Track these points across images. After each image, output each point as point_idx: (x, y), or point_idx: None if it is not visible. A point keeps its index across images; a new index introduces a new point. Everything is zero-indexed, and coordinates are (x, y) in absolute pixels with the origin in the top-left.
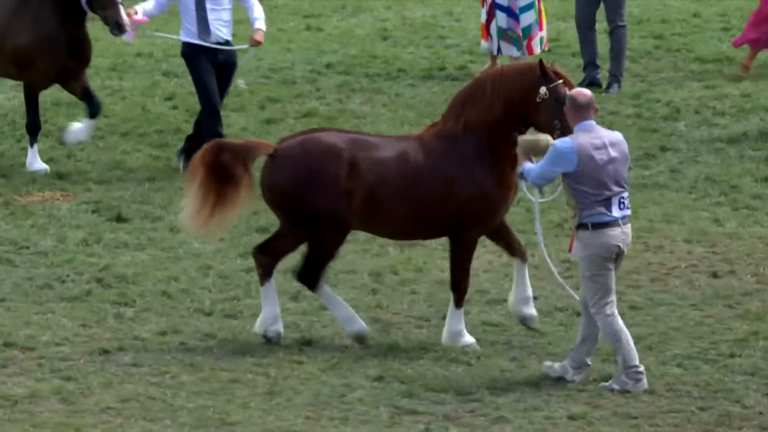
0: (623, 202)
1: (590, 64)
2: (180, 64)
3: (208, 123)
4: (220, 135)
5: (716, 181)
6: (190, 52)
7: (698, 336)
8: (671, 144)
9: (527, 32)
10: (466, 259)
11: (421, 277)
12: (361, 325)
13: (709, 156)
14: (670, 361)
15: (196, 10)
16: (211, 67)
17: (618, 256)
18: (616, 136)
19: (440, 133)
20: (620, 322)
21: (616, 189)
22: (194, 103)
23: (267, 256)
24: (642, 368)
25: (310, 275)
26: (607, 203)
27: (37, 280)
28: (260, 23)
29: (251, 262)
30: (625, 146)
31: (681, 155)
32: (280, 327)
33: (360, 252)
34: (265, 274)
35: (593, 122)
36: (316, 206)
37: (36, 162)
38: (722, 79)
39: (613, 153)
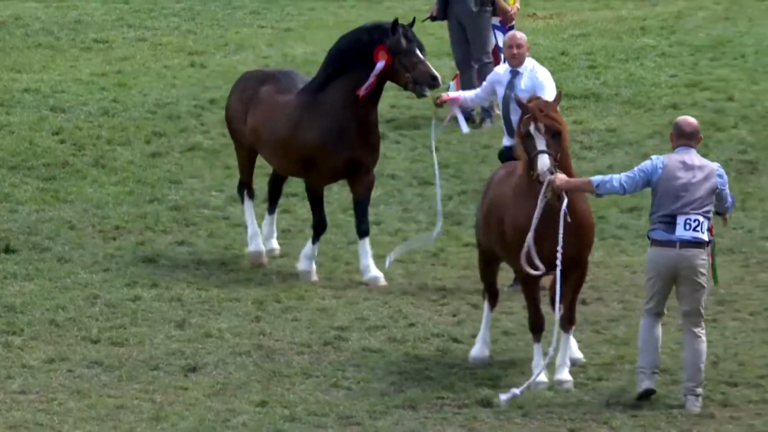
0: (690, 224)
1: None
2: (67, 100)
3: None
4: None
5: None
6: (507, 155)
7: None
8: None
9: None
10: (524, 292)
11: (302, 304)
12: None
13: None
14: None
15: (502, 111)
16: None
17: (678, 277)
18: (709, 164)
19: (521, 167)
20: (650, 326)
21: (685, 209)
22: (81, 137)
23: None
24: (648, 371)
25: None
26: (671, 222)
27: None
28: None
29: (137, 290)
30: (713, 175)
31: None
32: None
33: (243, 281)
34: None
35: (692, 150)
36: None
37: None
38: (589, 115)
39: (698, 176)
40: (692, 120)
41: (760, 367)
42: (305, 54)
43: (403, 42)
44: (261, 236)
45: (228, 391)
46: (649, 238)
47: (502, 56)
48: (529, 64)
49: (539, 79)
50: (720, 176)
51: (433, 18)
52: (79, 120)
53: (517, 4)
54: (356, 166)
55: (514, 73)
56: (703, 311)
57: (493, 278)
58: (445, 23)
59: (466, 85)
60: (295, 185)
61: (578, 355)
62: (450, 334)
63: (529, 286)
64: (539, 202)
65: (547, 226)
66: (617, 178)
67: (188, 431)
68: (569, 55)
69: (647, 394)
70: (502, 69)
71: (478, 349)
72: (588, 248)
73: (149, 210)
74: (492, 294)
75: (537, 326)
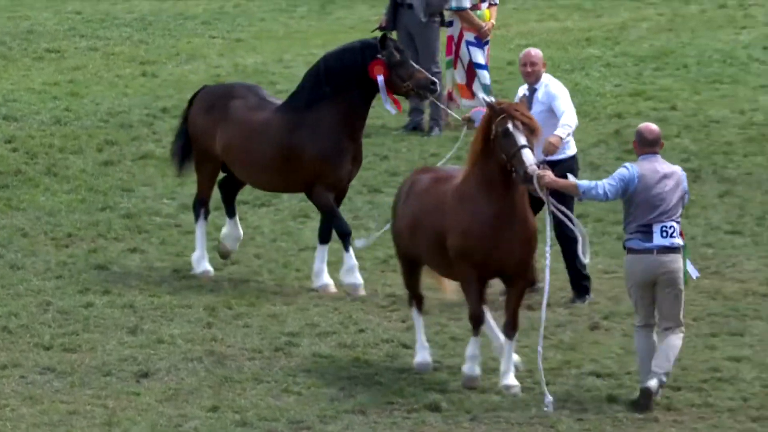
0: (667, 231)
1: (415, 110)
2: (20, 109)
3: None
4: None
5: None
6: None
7: (515, 365)
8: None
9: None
10: (465, 288)
11: (253, 311)
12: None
13: None
14: (490, 389)
15: None
16: None
17: (657, 284)
18: (676, 169)
19: (464, 171)
20: (644, 339)
21: (661, 217)
22: (33, 146)
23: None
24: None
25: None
26: (647, 231)
27: None
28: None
29: (90, 297)
30: (681, 180)
31: None
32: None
33: (195, 287)
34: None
35: (658, 155)
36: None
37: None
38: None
39: (669, 185)
40: (654, 127)
41: (703, 371)
42: (256, 64)
43: (396, 54)
44: (207, 258)
45: (180, 396)
46: (625, 247)
47: (478, 72)
48: (545, 79)
49: (553, 92)
50: (685, 180)
51: (382, 28)
52: (31, 128)
53: (493, 20)
54: (348, 180)
55: (532, 90)
56: (682, 317)
57: (417, 284)
58: (394, 33)
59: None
60: (247, 192)
61: (517, 358)
62: (399, 339)
63: (470, 287)
64: (544, 198)
65: (500, 231)
66: (602, 186)
67: None
68: (516, 65)
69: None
70: (523, 88)
71: (420, 356)
72: (533, 254)
73: (101, 218)
74: (418, 299)
75: (478, 319)
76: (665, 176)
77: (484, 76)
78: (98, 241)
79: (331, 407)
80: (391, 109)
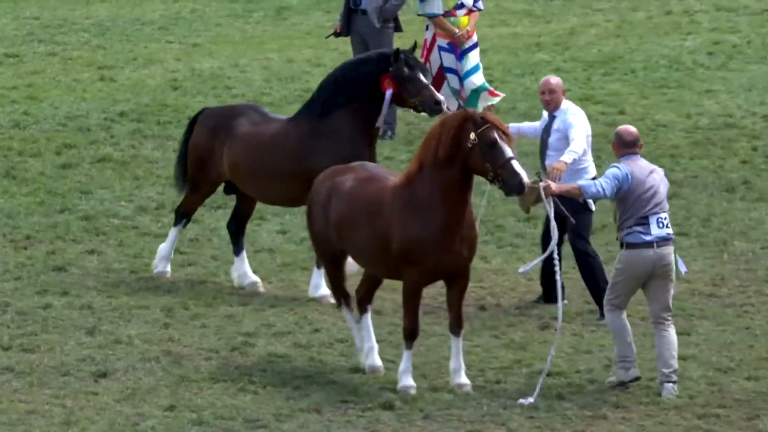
0: (662, 222)
1: None
2: None
3: None
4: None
5: (483, 221)
6: None
7: (468, 364)
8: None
9: (482, 89)
10: (407, 295)
11: (210, 311)
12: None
13: (476, 198)
14: (443, 387)
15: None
16: None
17: (653, 277)
18: (656, 167)
19: (408, 174)
20: (618, 318)
21: (655, 209)
22: None
23: (360, 293)
24: (632, 358)
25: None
26: (645, 223)
27: None
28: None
29: (48, 299)
30: (663, 173)
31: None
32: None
33: (152, 288)
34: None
35: (638, 155)
36: (310, 229)
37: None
38: None
39: (657, 178)
40: (632, 129)
41: (651, 369)
42: (212, 68)
43: (406, 70)
44: (170, 260)
45: (137, 395)
46: (623, 243)
47: (448, 76)
48: (565, 105)
49: (569, 120)
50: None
51: (336, 34)
52: None
53: (469, 26)
54: None
55: (552, 117)
56: (671, 306)
57: (343, 282)
58: (348, 39)
59: None
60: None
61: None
62: (353, 339)
63: (416, 294)
64: (548, 208)
65: (452, 237)
66: (600, 185)
67: None
68: None
69: (635, 380)
70: (545, 114)
71: (370, 358)
72: (473, 256)
73: (60, 220)
74: (347, 296)
75: (413, 334)
76: (652, 171)
77: (454, 80)
78: (56, 243)
79: (287, 406)
80: (380, 121)
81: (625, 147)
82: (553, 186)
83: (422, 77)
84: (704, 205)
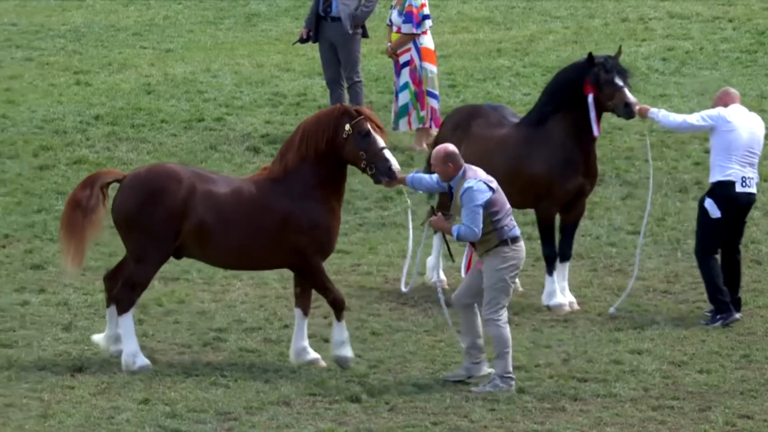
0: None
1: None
2: None
3: None
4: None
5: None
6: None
7: (432, 359)
8: (402, 188)
9: (404, 110)
10: (321, 280)
11: (183, 308)
12: (142, 360)
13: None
14: (407, 381)
15: None
16: None
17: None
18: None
19: (269, 175)
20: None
21: (511, 209)
22: None
23: (113, 281)
24: (513, 374)
25: (125, 297)
26: (511, 219)
27: None
28: None
29: (26, 296)
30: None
31: (416, 197)
32: (120, 347)
33: None
34: (110, 297)
35: (468, 165)
36: (146, 223)
37: (555, 295)
38: None
39: (496, 182)
40: (449, 146)
41: (607, 363)
42: (185, 73)
43: (602, 74)
44: None
45: (112, 389)
46: (506, 241)
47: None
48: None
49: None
50: None
51: (303, 40)
52: None
53: (390, 43)
54: (580, 194)
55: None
56: None
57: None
58: (317, 45)
59: (335, 102)
60: None
61: (350, 354)
62: (321, 334)
63: (322, 271)
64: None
65: (337, 223)
66: (468, 223)
67: (75, 428)
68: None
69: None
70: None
71: (342, 351)
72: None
73: (37, 219)
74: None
75: (342, 303)
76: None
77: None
78: (34, 241)
79: (257, 399)
80: (595, 129)
81: (453, 161)
82: (439, 223)
83: (618, 80)
84: (658, 205)
